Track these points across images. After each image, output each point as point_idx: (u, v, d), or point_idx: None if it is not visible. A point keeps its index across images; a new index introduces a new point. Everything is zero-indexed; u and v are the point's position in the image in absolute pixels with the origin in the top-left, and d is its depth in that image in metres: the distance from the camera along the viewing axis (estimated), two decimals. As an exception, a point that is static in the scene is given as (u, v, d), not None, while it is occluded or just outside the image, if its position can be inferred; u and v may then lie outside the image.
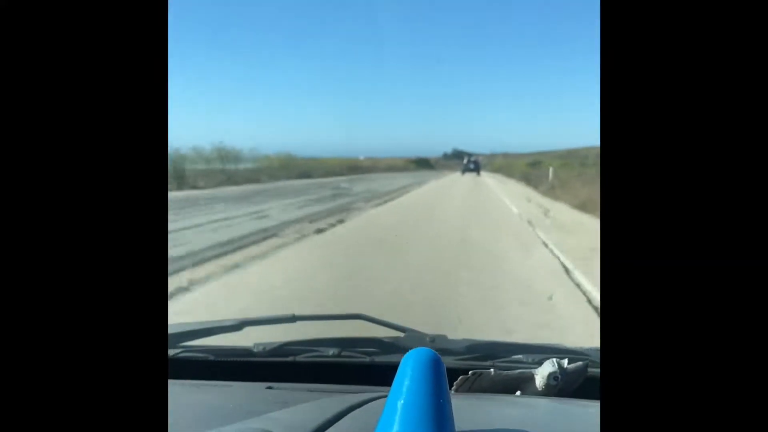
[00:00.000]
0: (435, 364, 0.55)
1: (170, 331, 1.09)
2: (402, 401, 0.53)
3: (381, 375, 0.84)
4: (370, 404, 0.72)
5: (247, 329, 1.21)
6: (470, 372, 0.89)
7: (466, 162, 46.90)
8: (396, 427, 0.52)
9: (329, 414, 0.67)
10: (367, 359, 1.09)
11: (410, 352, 0.57)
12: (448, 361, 1.06)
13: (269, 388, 0.91)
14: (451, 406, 0.55)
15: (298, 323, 1.21)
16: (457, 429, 0.57)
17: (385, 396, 0.56)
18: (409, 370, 0.55)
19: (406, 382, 0.54)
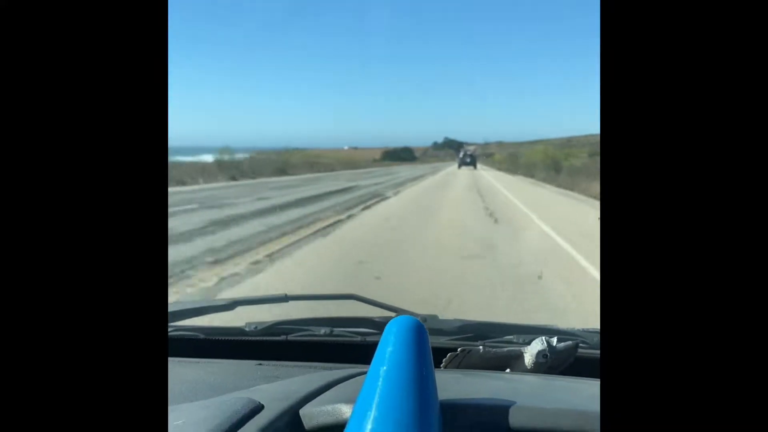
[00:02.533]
0: (418, 332, 0.56)
1: None
2: (385, 368, 0.54)
3: (372, 354, 0.85)
4: (356, 378, 0.73)
5: (240, 309, 1.21)
6: (459, 349, 0.90)
7: (463, 155, 46.49)
8: (378, 392, 0.52)
9: (315, 386, 0.68)
10: (358, 339, 1.10)
11: (393, 320, 0.57)
12: (440, 341, 1.07)
13: (260, 365, 0.92)
14: (434, 373, 0.56)
15: (291, 303, 1.22)
16: (443, 401, 0.58)
17: None
18: (392, 337, 0.55)
19: (389, 349, 0.55)
